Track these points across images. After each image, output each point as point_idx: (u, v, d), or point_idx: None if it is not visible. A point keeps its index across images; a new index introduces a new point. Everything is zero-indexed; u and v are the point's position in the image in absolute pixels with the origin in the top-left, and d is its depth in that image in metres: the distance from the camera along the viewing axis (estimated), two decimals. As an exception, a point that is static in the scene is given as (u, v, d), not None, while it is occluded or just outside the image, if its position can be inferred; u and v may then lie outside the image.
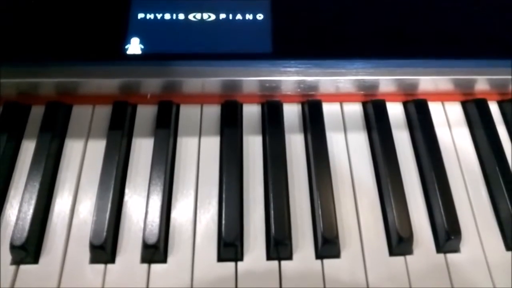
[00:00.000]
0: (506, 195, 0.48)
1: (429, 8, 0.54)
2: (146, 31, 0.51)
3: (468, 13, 0.54)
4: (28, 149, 0.49)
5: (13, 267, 0.43)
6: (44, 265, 0.43)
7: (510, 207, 0.47)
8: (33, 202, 0.44)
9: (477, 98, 0.55)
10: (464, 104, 0.55)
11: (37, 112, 0.51)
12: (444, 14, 0.54)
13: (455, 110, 0.55)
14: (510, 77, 0.52)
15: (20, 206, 0.45)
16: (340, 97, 0.54)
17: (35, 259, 0.44)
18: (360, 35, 0.52)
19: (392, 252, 0.46)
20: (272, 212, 0.45)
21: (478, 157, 0.52)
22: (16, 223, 0.44)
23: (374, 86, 0.52)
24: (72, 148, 0.50)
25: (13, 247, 0.43)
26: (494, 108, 0.55)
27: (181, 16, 0.52)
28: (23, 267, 0.43)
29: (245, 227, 0.46)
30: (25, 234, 0.43)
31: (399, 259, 0.45)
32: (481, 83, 0.53)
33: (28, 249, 0.43)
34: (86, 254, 0.44)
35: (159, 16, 0.52)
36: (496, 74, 0.52)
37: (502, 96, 0.56)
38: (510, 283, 0.44)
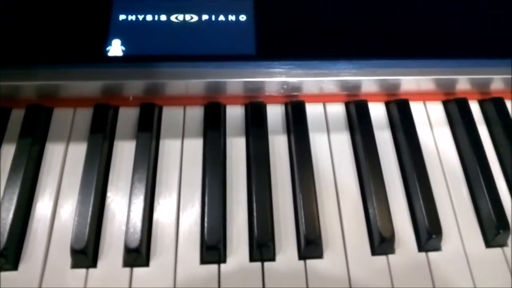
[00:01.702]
0: (486, 194, 0.49)
1: (411, 9, 0.55)
2: (127, 33, 0.51)
3: (449, 13, 0.55)
4: (8, 153, 0.48)
5: (-7, 273, 0.43)
6: (24, 271, 0.43)
7: (490, 205, 0.48)
8: (12, 208, 0.44)
9: (458, 97, 0.55)
10: (445, 104, 0.56)
11: (17, 115, 0.51)
12: (425, 15, 0.54)
13: (437, 109, 0.55)
14: (490, 76, 0.53)
15: (-1, 211, 0.44)
16: (323, 98, 0.54)
17: (14, 266, 0.43)
18: (343, 36, 0.53)
19: (374, 251, 0.46)
20: (255, 214, 0.45)
21: (459, 156, 0.53)
22: (-5, 228, 0.43)
23: (356, 86, 0.53)
24: (53, 152, 0.49)
25: (-9, 254, 0.42)
26: (475, 108, 0.56)
27: (163, 18, 0.52)
28: (2, 274, 0.43)
29: (228, 229, 0.46)
30: (4, 240, 0.42)
31: (381, 258, 0.46)
32: (462, 83, 0.54)
33: (7, 255, 0.42)
34: (67, 259, 0.43)
35: (140, 17, 0.52)
36: (476, 74, 0.53)
37: (483, 96, 0.56)
38: (490, 280, 0.45)
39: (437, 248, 0.47)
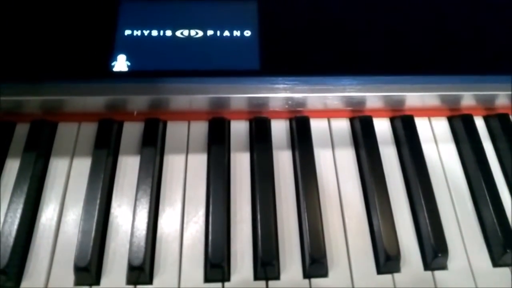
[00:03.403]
0: (492, 210, 0.48)
1: (415, 25, 0.55)
2: (132, 48, 0.51)
3: (454, 30, 0.55)
4: (12, 168, 0.48)
5: (-5, 290, 0.43)
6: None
7: (496, 222, 0.47)
8: (16, 223, 0.44)
9: (463, 113, 0.55)
10: (450, 120, 0.56)
11: (21, 130, 0.51)
12: (430, 31, 0.54)
13: (442, 125, 0.55)
14: (495, 92, 0.53)
15: (2, 227, 0.44)
16: (328, 113, 0.54)
17: (16, 283, 0.43)
18: (347, 52, 0.53)
19: (380, 270, 0.45)
20: (259, 232, 0.45)
21: (465, 173, 0.52)
22: (-2, 245, 0.43)
23: (361, 102, 0.52)
24: (57, 167, 0.49)
25: (-6, 271, 0.42)
26: (480, 123, 0.55)
27: (168, 33, 0.52)
28: (5, 290, 0.43)
29: (232, 246, 0.45)
30: (6, 257, 0.42)
31: (387, 277, 0.45)
32: (467, 99, 0.53)
33: (9, 273, 0.42)
34: (70, 276, 0.43)
35: (146, 32, 0.52)
36: (482, 90, 0.52)
37: (488, 111, 0.56)
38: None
39: (443, 267, 0.46)
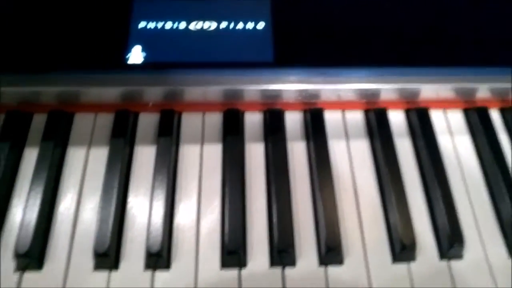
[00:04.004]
0: (508, 201, 0.48)
1: (430, 16, 0.55)
2: (147, 40, 0.52)
3: (469, 21, 0.55)
4: (30, 157, 0.49)
5: (17, 274, 0.43)
6: (48, 272, 0.43)
7: (512, 213, 0.47)
8: (36, 210, 0.44)
9: (478, 106, 0.55)
10: (465, 112, 0.55)
11: (39, 121, 0.51)
12: (445, 23, 0.54)
13: (457, 117, 0.55)
14: (511, 85, 0.53)
15: (23, 214, 0.44)
16: (342, 105, 0.54)
17: (39, 266, 0.43)
18: (361, 43, 0.53)
19: (395, 259, 0.45)
20: (275, 220, 0.45)
21: (480, 165, 0.52)
22: (20, 230, 0.43)
23: (375, 94, 0.53)
24: (74, 156, 0.50)
25: (17, 255, 0.42)
26: (495, 116, 0.55)
27: (182, 26, 0.53)
28: (27, 274, 0.43)
29: (248, 234, 0.46)
30: (28, 241, 0.43)
31: (402, 266, 0.45)
32: (483, 91, 0.53)
33: (32, 256, 0.43)
34: (90, 260, 0.44)
35: (160, 25, 0.53)
36: (497, 82, 0.52)
37: (504, 104, 0.56)
38: (514, 290, 0.44)
39: (459, 257, 0.46)
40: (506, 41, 0.54)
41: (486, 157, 0.52)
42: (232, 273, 0.44)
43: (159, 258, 0.43)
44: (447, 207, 0.47)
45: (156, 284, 0.43)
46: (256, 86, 0.51)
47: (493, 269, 0.46)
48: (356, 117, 0.54)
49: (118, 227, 0.45)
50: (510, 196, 0.48)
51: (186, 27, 0.53)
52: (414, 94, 0.53)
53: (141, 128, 0.52)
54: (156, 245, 0.43)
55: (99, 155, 0.49)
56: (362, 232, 0.47)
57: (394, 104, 0.54)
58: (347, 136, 0.53)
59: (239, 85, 0.50)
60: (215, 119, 0.53)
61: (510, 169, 0.50)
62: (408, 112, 0.55)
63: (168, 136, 0.50)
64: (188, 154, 0.50)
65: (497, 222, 0.48)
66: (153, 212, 0.45)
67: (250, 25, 0.53)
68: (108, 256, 0.43)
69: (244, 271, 0.44)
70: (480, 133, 0.53)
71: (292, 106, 0.54)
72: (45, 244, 0.44)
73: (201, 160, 0.50)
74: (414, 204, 0.48)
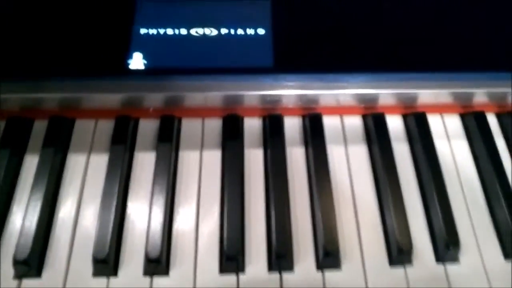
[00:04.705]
0: (504, 206, 0.49)
1: (428, 23, 0.55)
2: (148, 46, 0.52)
3: (466, 27, 0.55)
4: (31, 163, 0.49)
5: (16, 281, 0.44)
6: (47, 279, 0.44)
7: (508, 217, 0.48)
8: (36, 216, 0.45)
9: (475, 110, 0.55)
10: (462, 117, 0.56)
11: (40, 127, 0.52)
12: (442, 29, 0.55)
13: (454, 122, 0.56)
14: (508, 90, 0.53)
15: (23, 220, 0.45)
16: (341, 110, 0.55)
17: (38, 273, 0.44)
18: (360, 49, 0.53)
19: (392, 262, 0.46)
20: (273, 225, 0.46)
21: (477, 169, 0.53)
22: (19, 237, 0.44)
23: (374, 99, 0.53)
24: (75, 162, 0.50)
25: (16, 262, 0.43)
26: (492, 121, 0.56)
27: (183, 32, 0.53)
28: (26, 281, 0.44)
29: (247, 239, 0.46)
30: (28, 248, 0.43)
31: (399, 269, 0.46)
32: (480, 96, 0.54)
33: (31, 264, 0.43)
34: (89, 267, 0.44)
35: (161, 31, 0.53)
36: (494, 87, 0.53)
37: (501, 109, 0.56)
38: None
39: (455, 260, 0.47)
40: (503, 47, 0.54)
41: (482, 161, 0.52)
42: (231, 278, 0.44)
43: (158, 263, 0.43)
44: (444, 211, 0.48)
45: (155, 289, 0.44)
46: (256, 91, 0.51)
47: (490, 272, 0.46)
48: (354, 122, 0.55)
49: (118, 233, 0.46)
50: (506, 200, 0.49)
51: (187, 33, 0.53)
52: (412, 99, 0.53)
53: (141, 134, 0.53)
54: (155, 251, 0.43)
55: (100, 161, 0.50)
56: (359, 237, 0.47)
57: (392, 109, 0.55)
58: (345, 140, 0.53)
59: (239, 90, 0.51)
60: (215, 125, 0.54)
61: (506, 174, 0.51)
62: (405, 117, 0.55)
63: (168, 142, 0.50)
64: (188, 159, 0.51)
65: (493, 226, 0.49)
66: (152, 217, 0.46)
67: (250, 32, 0.54)
68: (107, 262, 0.43)
69: (243, 276, 0.44)
70: (477, 137, 0.53)
71: (291, 112, 0.54)
72: (45, 251, 0.45)
73: (201, 165, 0.51)
74: (411, 208, 0.49)
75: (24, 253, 0.43)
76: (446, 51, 0.54)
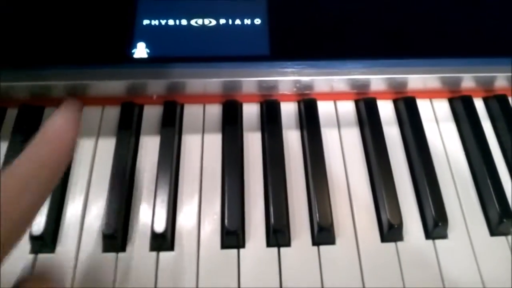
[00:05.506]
0: (490, 185, 0.51)
1: (417, 10, 0.57)
2: (151, 36, 0.54)
3: (454, 13, 0.57)
4: (42, 148, 0.52)
5: (32, 255, 0.46)
6: (60, 254, 0.46)
7: (494, 196, 0.50)
8: (49, 196, 0.47)
9: (463, 95, 0.57)
10: (451, 101, 0.58)
11: (50, 113, 0.53)
12: (431, 15, 0.57)
13: (443, 106, 0.58)
14: (495, 74, 0.55)
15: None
16: (334, 96, 0.57)
17: (51, 249, 0.47)
18: (352, 37, 0.55)
19: (384, 239, 0.49)
20: (271, 203, 0.48)
21: (465, 151, 0.55)
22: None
23: (365, 85, 0.55)
24: (84, 147, 0.52)
25: (32, 237, 0.46)
26: (479, 105, 0.58)
27: (184, 22, 0.55)
28: (41, 255, 0.46)
29: (247, 218, 0.49)
30: (42, 225, 0.46)
31: (391, 245, 0.48)
32: (467, 81, 0.56)
33: (46, 239, 0.46)
34: (99, 244, 0.47)
35: (163, 22, 0.55)
36: (481, 72, 0.55)
37: (487, 93, 0.58)
38: (493, 265, 0.48)
39: (444, 236, 0.49)
40: (490, 32, 0.56)
41: (470, 143, 0.54)
42: (232, 252, 0.47)
43: (163, 239, 0.46)
44: (432, 190, 0.50)
45: (161, 264, 0.46)
46: (253, 78, 0.53)
47: (476, 247, 0.49)
48: (347, 107, 0.57)
49: (126, 211, 0.48)
50: (492, 180, 0.51)
51: (188, 24, 0.55)
52: (402, 84, 0.55)
53: (146, 119, 0.55)
54: (160, 227, 0.46)
55: (107, 145, 0.52)
56: (352, 215, 0.50)
57: (383, 94, 0.57)
58: (338, 124, 0.56)
59: (237, 77, 0.53)
60: (215, 110, 0.56)
61: (492, 155, 0.53)
62: (396, 101, 0.58)
63: (172, 126, 0.53)
64: (190, 142, 0.53)
65: (479, 203, 0.51)
66: (157, 196, 0.48)
67: (247, 21, 0.56)
68: (115, 239, 0.46)
69: (243, 251, 0.47)
70: (464, 121, 0.56)
71: (287, 97, 0.57)
72: (57, 228, 0.48)
73: (202, 148, 0.53)
74: (401, 188, 0.51)
75: (39, 228, 0.45)
76: (435, 38, 0.55)
